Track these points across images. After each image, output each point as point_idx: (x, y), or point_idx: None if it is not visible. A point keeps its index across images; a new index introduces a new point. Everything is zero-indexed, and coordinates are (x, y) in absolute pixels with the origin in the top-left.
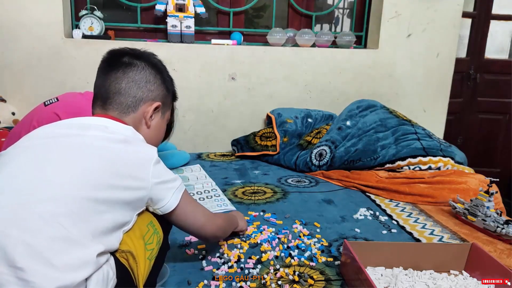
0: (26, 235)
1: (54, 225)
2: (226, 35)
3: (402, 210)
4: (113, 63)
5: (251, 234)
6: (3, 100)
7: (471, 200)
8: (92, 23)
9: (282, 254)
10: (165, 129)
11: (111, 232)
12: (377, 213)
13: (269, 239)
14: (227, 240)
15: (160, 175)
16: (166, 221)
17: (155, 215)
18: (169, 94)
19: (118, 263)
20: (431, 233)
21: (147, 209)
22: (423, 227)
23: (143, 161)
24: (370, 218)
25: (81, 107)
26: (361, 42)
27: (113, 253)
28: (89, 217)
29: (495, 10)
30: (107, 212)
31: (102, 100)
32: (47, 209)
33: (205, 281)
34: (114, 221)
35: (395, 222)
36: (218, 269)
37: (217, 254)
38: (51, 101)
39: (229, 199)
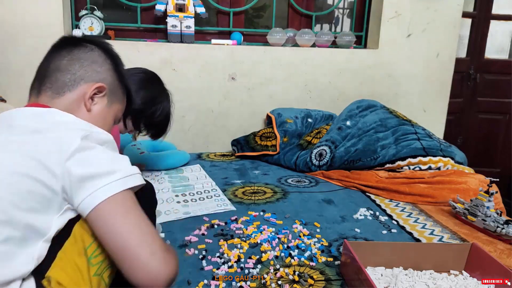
0: None
1: None
2: (226, 35)
3: (402, 210)
4: (60, 45)
5: (251, 234)
6: (3, 100)
7: (471, 200)
8: (92, 23)
9: (282, 254)
10: (111, 123)
11: (15, 252)
12: (377, 213)
13: (269, 239)
14: (227, 240)
15: (82, 166)
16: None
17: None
18: (121, 86)
19: None
20: (431, 233)
21: None
22: (423, 227)
23: (53, 150)
24: (370, 218)
25: None
26: (361, 42)
27: (38, 276)
28: None
29: (495, 10)
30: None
31: (39, 80)
32: None
33: (205, 281)
34: (15, 239)
35: (395, 222)
36: (218, 269)
37: (217, 254)
38: None
39: (229, 199)
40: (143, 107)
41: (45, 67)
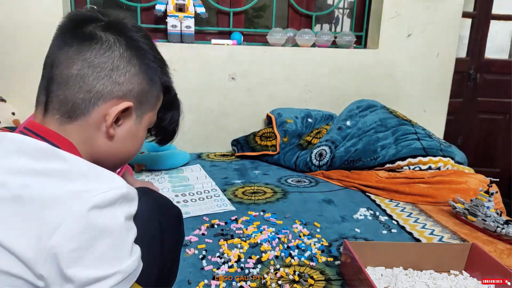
0: None
1: None
2: (226, 35)
3: (402, 210)
4: (67, 34)
5: (251, 234)
6: (3, 100)
7: (471, 200)
8: None
9: (282, 254)
10: (143, 137)
11: None
12: (377, 213)
13: (269, 239)
14: (227, 240)
15: (69, 267)
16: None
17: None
18: (153, 87)
19: None
20: (431, 233)
21: None
22: (423, 227)
23: (38, 235)
24: (370, 218)
25: None
26: (361, 42)
27: None
28: None
29: (495, 10)
30: None
31: (46, 90)
32: None
33: (205, 281)
34: None
35: (395, 222)
36: (218, 268)
37: (217, 254)
38: None
39: (229, 199)
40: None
41: (50, 71)
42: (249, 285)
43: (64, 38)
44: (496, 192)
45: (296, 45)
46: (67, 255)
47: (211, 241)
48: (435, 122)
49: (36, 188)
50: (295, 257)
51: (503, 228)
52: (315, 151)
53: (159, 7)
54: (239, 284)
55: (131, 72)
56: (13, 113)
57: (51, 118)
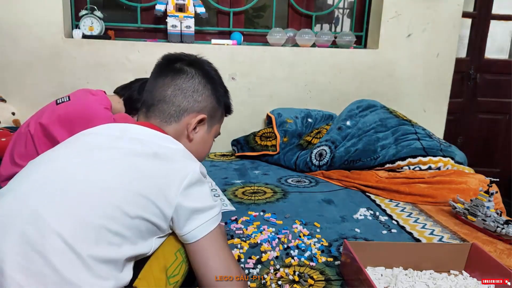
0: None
1: (58, 266)
2: (226, 35)
3: (402, 210)
4: (164, 69)
5: (251, 234)
6: (3, 100)
7: (471, 200)
8: (92, 23)
9: (283, 254)
10: (211, 144)
11: (124, 265)
12: (377, 213)
13: (269, 239)
14: (227, 240)
15: (193, 200)
16: None
17: None
18: (219, 106)
19: None
20: (431, 233)
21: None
22: (423, 227)
23: (173, 180)
24: (370, 218)
25: (88, 112)
26: (361, 42)
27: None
28: (97, 248)
29: (495, 10)
30: (120, 244)
31: (147, 106)
32: (53, 244)
33: None
34: (127, 253)
35: (395, 222)
36: None
37: None
38: (63, 100)
39: (229, 199)
40: None
41: (151, 94)
42: (249, 285)
43: (160, 72)
44: (496, 192)
45: (296, 45)
46: (194, 195)
47: None
48: (435, 122)
49: (165, 152)
50: (295, 257)
51: (503, 228)
52: (315, 151)
53: (159, 7)
54: None
55: (206, 94)
56: (13, 113)
57: (154, 120)
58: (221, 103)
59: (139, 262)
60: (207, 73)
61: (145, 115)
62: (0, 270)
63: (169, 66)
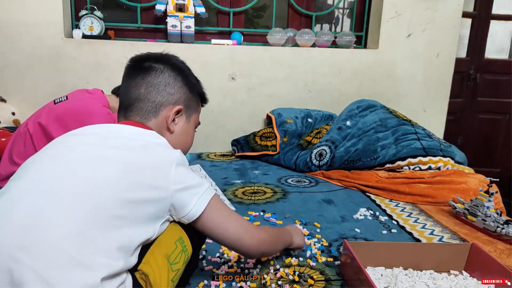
0: (36, 263)
1: (62, 251)
2: (226, 35)
3: (402, 210)
4: (133, 69)
5: None
6: (3, 100)
7: (471, 200)
8: (92, 23)
9: (283, 254)
10: (193, 134)
11: (129, 249)
12: (377, 213)
13: None
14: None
15: (183, 180)
16: (198, 236)
17: (185, 228)
18: (193, 95)
19: (136, 283)
20: (431, 233)
21: (175, 221)
22: (423, 227)
23: (161, 165)
24: (370, 218)
25: (87, 109)
26: (361, 42)
27: (132, 271)
28: (102, 234)
29: (495, 10)
30: (123, 228)
31: (124, 108)
32: (56, 233)
33: (205, 281)
34: (132, 237)
35: (395, 222)
36: (218, 269)
37: (217, 254)
38: (60, 99)
39: (229, 199)
40: None
41: (127, 96)
42: (249, 285)
43: (130, 74)
44: (496, 192)
45: (296, 45)
46: (184, 174)
47: (211, 241)
48: (435, 122)
49: (152, 143)
50: (295, 257)
51: (503, 228)
52: (315, 151)
53: (159, 7)
54: (239, 285)
55: (178, 85)
56: (13, 113)
57: (134, 118)
58: (195, 92)
59: (141, 249)
60: (175, 66)
61: (124, 116)
62: (7, 268)
63: (138, 66)
